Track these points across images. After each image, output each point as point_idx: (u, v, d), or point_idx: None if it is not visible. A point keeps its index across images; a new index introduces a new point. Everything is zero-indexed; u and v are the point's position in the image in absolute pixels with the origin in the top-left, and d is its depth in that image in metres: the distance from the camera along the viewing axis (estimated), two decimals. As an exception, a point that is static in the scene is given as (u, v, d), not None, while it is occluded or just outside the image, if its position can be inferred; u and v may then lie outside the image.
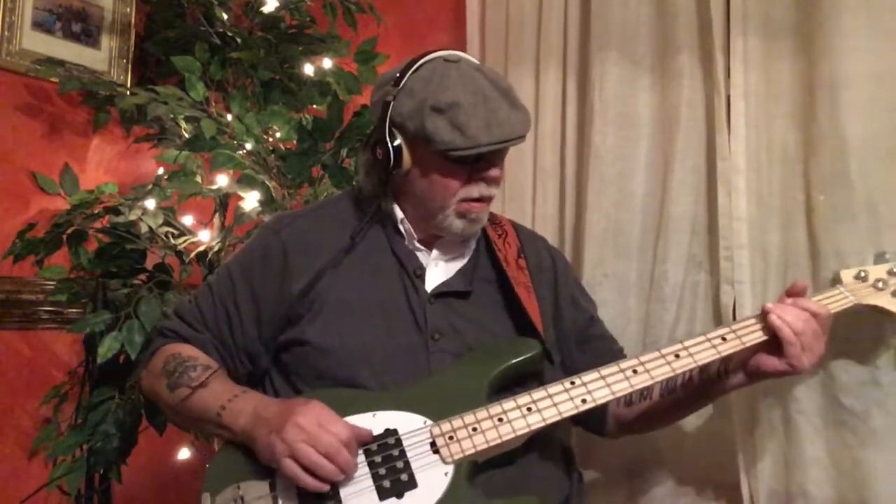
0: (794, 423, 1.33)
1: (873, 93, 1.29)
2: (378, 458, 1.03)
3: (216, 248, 1.80)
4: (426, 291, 1.20)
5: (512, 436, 1.06)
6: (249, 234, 1.71)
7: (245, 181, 1.83)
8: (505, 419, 1.07)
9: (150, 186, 1.82)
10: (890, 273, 1.22)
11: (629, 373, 1.11)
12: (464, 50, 1.35)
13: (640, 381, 1.11)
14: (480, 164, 1.15)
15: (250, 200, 1.82)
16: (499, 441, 1.05)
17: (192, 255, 1.80)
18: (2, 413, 1.84)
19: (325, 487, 0.98)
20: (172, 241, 1.80)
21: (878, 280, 1.21)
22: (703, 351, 1.13)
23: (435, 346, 1.16)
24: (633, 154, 1.61)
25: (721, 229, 1.46)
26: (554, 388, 1.10)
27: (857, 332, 1.26)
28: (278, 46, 2.00)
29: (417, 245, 1.23)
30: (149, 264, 1.75)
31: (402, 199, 1.23)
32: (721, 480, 1.45)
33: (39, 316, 1.91)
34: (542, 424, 1.07)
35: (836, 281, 1.25)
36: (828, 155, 1.33)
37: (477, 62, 1.20)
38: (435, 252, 1.24)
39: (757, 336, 1.13)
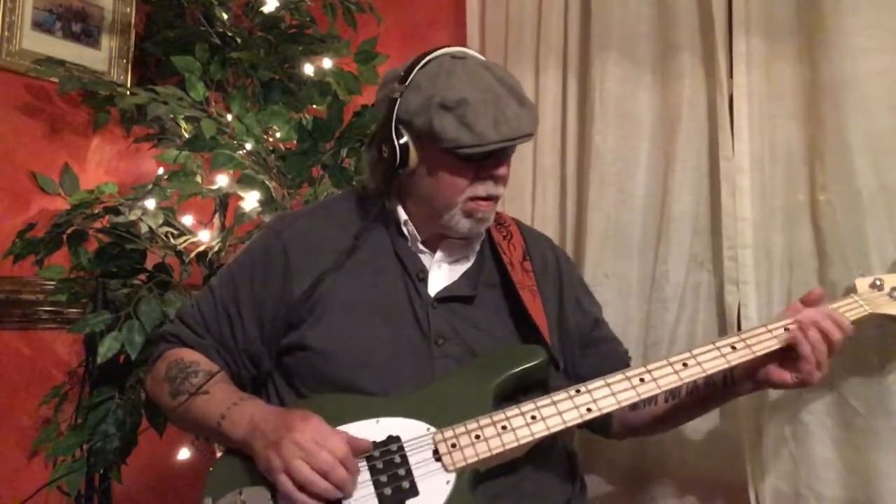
0: (803, 423, 1.33)
1: (877, 92, 1.29)
2: (380, 465, 1.02)
3: (216, 248, 1.80)
4: (429, 295, 1.19)
5: (515, 444, 1.05)
6: (249, 235, 1.71)
7: (245, 181, 1.83)
8: (508, 427, 1.05)
9: (150, 186, 1.82)
10: (906, 281, 1.20)
11: (636, 381, 1.10)
12: (464, 50, 1.34)
13: (647, 391, 1.09)
14: (488, 162, 1.14)
15: (250, 200, 1.82)
16: (501, 449, 1.04)
17: (192, 255, 1.79)
18: (2, 413, 1.84)
19: None
20: (172, 241, 1.79)
21: (893, 289, 1.20)
22: (711, 360, 1.12)
23: (439, 350, 1.15)
24: (634, 154, 1.61)
25: (725, 229, 1.45)
26: (558, 396, 1.09)
27: (865, 333, 1.25)
28: (278, 46, 2.00)
29: (421, 247, 1.22)
30: (149, 264, 1.74)
31: (407, 198, 1.21)
32: (727, 481, 1.44)
33: (39, 316, 1.91)
34: (546, 433, 1.06)
35: (850, 289, 1.24)
36: (832, 154, 1.32)
37: (484, 59, 1.18)
38: (438, 254, 1.22)
39: (767, 346, 1.12)
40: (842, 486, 1.29)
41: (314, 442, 0.98)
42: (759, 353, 1.12)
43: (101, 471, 1.72)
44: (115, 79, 2.03)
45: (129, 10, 2.09)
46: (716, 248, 1.50)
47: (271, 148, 1.91)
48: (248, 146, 1.84)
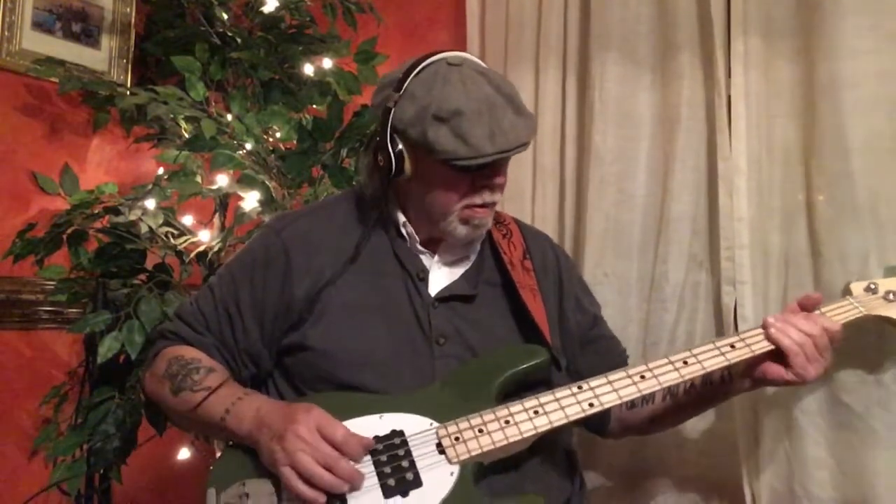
0: (797, 423, 1.33)
1: (875, 93, 1.29)
2: (383, 458, 1.03)
3: (216, 248, 1.80)
4: (430, 295, 1.19)
5: (518, 438, 1.06)
6: (249, 235, 1.71)
7: (245, 181, 1.83)
8: (511, 421, 1.07)
9: (150, 186, 1.82)
10: (901, 285, 1.21)
11: (637, 378, 1.11)
12: (463, 50, 1.33)
13: (648, 387, 1.11)
14: (484, 172, 1.13)
15: (250, 200, 1.82)
16: (505, 442, 1.05)
17: (192, 255, 1.79)
18: (2, 413, 1.84)
19: (322, 499, 0.97)
20: (172, 241, 1.79)
21: (888, 292, 1.20)
22: (711, 358, 1.13)
23: (440, 350, 1.15)
24: (634, 154, 1.61)
25: (722, 229, 1.46)
26: (561, 392, 1.10)
27: (859, 333, 1.26)
28: (278, 46, 2.00)
29: (420, 248, 1.22)
30: (149, 264, 1.74)
31: (405, 203, 1.22)
32: (723, 481, 1.45)
33: (39, 316, 1.91)
34: (549, 427, 1.07)
35: (845, 292, 1.24)
36: (829, 155, 1.33)
37: (481, 64, 1.16)
38: (438, 255, 1.23)
39: (766, 345, 1.13)
40: (836, 486, 1.30)
41: (319, 434, 0.99)
42: (757, 352, 1.13)
43: (101, 471, 1.72)
44: (115, 79, 2.03)
45: (129, 10, 2.09)
46: (714, 248, 1.50)
47: (271, 148, 1.92)
48: (248, 146, 1.84)
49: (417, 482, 1.01)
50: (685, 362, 1.13)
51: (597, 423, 1.31)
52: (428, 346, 1.16)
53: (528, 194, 1.79)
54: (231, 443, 1.12)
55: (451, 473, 1.02)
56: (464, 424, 1.06)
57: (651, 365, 1.13)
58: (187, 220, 1.89)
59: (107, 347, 1.58)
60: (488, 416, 1.07)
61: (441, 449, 1.04)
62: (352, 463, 1.00)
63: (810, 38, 1.37)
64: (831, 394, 1.31)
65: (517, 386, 1.14)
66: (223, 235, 1.81)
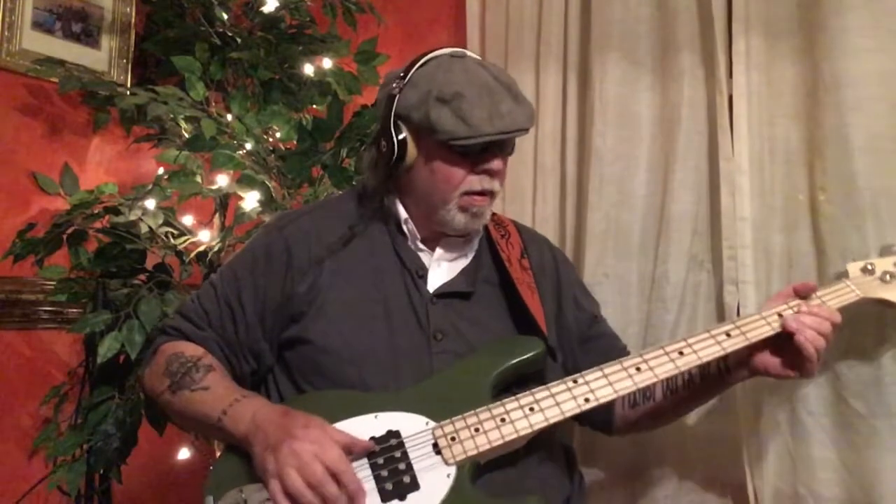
0: (802, 423, 1.33)
1: (877, 92, 1.29)
2: (380, 460, 1.03)
3: (216, 248, 1.80)
4: (428, 292, 1.20)
5: (514, 436, 1.05)
6: (249, 234, 1.71)
7: (245, 181, 1.83)
8: (507, 419, 1.06)
9: (150, 186, 1.82)
10: (897, 264, 1.20)
11: (632, 370, 1.11)
12: (464, 49, 1.35)
13: (644, 379, 1.10)
14: (483, 156, 1.16)
15: (250, 200, 1.82)
16: (501, 441, 1.05)
17: (192, 255, 1.79)
18: (2, 413, 1.84)
19: None
20: (172, 241, 1.79)
21: (885, 272, 1.19)
22: (707, 348, 1.12)
23: (437, 346, 1.16)
24: (634, 154, 1.61)
25: (724, 229, 1.45)
26: (557, 388, 1.10)
27: (863, 332, 1.26)
28: (278, 46, 2.00)
29: (420, 245, 1.23)
30: (149, 264, 1.74)
31: (406, 195, 1.23)
32: (726, 480, 1.44)
33: (39, 316, 1.91)
34: (545, 424, 1.07)
35: (842, 274, 1.24)
36: (831, 154, 1.32)
37: (481, 59, 1.21)
38: (438, 252, 1.24)
39: (761, 332, 1.13)
40: (840, 486, 1.29)
41: (312, 453, 0.98)
42: (753, 340, 1.13)
43: (101, 471, 1.72)
44: (115, 79, 2.03)
45: (129, 10, 2.09)
46: (715, 248, 1.50)
47: (271, 148, 1.92)
48: (248, 146, 1.84)
49: (415, 485, 1.01)
50: (681, 353, 1.12)
51: (601, 422, 1.31)
52: (426, 341, 1.16)
53: (528, 195, 1.78)
54: (229, 446, 1.11)
55: (448, 475, 1.02)
56: (460, 424, 1.06)
57: (647, 356, 1.12)
58: (187, 220, 1.89)
59: (107, 347, 1.58)
60: (484, 415, 1.07)
61: (437, 450, 1.04)
62: (337, 489, 0.97)
63: (812, 37, 1.37)
64: (836, 393, 1.30)
65: (513, 378, 1.14)
66: (223, 235, 1.81)
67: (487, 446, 1.04)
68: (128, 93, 1.84)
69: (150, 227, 1.75)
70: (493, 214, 1.29)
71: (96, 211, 1.77)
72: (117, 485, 1.76)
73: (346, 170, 1.84)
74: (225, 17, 1.98)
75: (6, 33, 1.88)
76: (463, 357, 1.15)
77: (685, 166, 1.53)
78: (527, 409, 1.07)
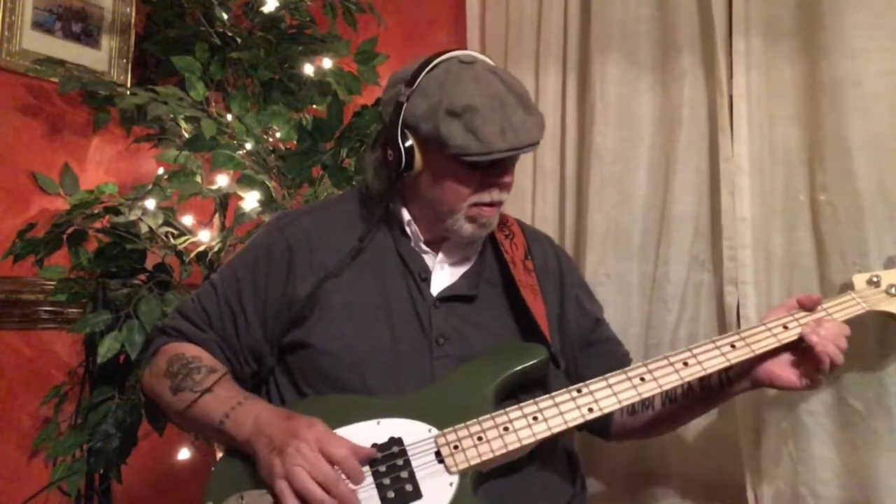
0: (803, 424, 1.33)
1: (877, 92, 1.29)
2: (382, 468, 1.02)
3: (216, 248, 1.80)
4: (431, 295, 1.19)
5: (517, 445, 1.04)
6: (249, 234, 1.70)
7: (245, 181, 1.83)
8: (510, 428, 1.05)
9: (150, 186, 1.81)
10: (904, 277, 1.20)
11: (636, 381, 1.10)
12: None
13: (648, 390, 1.09)
14: (493, 170, 1.14)
15: (250, 200, 1.81)
16: (504, 450, 1.04)
17: (192, 255, 1.79)
18: (2, 413, 1.84)
19: None
20: (172, 241, 1.79)
21: (891, 285, 1.19)
22: (712, 359, 1.12)
23: (439, 350, 1.15)
24: (635, 154, 1.61)
25: (724, 230, 1.45)
26: (560, 397, 1.09)
27: (864, 334, 1.25)
28: (278, 46, 2.00)
29: (423, 247, 1.22)
30: (149, 264, 1.74)
31: (411, 200, 1.21)
32: (726, 481, 1.44)
33: (39, 316, 1.91)
34: (548, 434, 1.06)
35: (847, 286, 1.23)
36: (831, 154, 1.32)
37: (492, 63, 1.18)
38: (441, 255, 1.23)
39: (766, 344, 1.12)
40: (840, 486, 1.29)
41: (319, 451, 0.97)
42: (758, 352, 1.12)
43: (101, 471, 1.72)
44: (115, 79, 2.02)
45: (129, 10, 2.08)
46: (716, 249, 1.50)
47: (271, 148, 1.91)
48: (248, 146, 1.84)
49: (417, 494, 1.00)
50: (685, 363, 1.11)
51: (599, 428, 1.31)
52: (428, 346, 1.15)
53: (528, 195, 1.78)
54: (228, 449, 1.10)
55: (451, 483, 1.01)
56: (463, 432, 1.05)
57: (651, 367, 1.11)
58: (187, 220, 1.89)
59: (107, 347, 1.57)
60: (487, 423, 1.06)
61: (440, 458, 1.03)
62: (350, 485, 0.98)
63: (812, 37, 1.37)
64: (837, 394, 1.30)
65: (516, 385, 1.13)
66: (223, 235, 1.81)
67: (490, 455, 1.03)
68: (128, 93, 1.84)
69: (150, 227, 1.75)
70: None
71: (96, 211, 1.77)
72: (117, 485, 1.76)
73: (346, 170, 1.84)
74: (225, 17, 1.98)
75: (6, 33, 1.87)
76: (466, 363, 1.14)
77: (686, 167, 1.53)
78: (530, 419, 1.06)
